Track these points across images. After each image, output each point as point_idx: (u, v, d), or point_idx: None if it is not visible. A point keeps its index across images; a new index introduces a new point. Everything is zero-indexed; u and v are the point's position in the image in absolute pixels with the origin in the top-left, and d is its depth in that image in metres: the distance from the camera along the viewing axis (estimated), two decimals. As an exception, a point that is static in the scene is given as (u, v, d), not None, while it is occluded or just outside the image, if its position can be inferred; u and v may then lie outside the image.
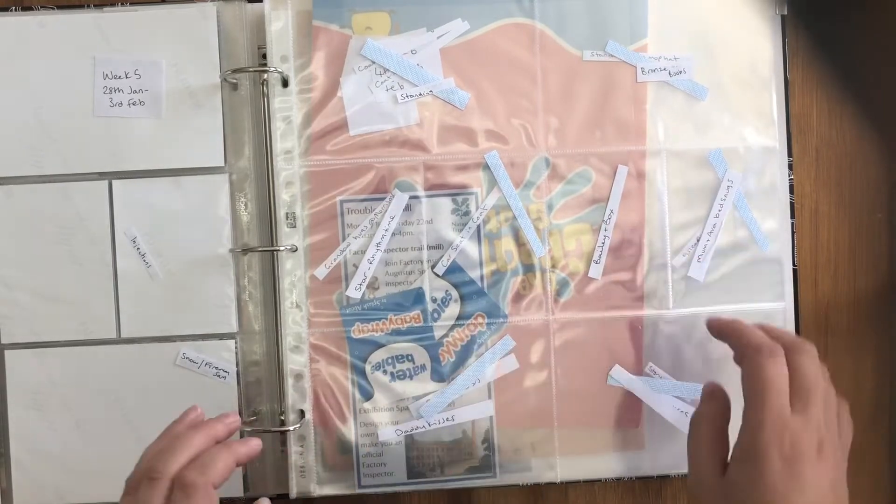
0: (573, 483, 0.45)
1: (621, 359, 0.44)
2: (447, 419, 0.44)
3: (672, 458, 0.45)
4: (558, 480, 0.44)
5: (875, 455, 0.47)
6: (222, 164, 0.44)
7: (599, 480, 0.45)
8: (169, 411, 0.43)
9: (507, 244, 0.44)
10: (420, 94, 0.44)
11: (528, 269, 0.44)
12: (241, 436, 0.43)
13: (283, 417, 0.43)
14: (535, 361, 0.44)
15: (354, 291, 0.44)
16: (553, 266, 0.44)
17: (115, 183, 0.44)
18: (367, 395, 0.44)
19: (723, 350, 0.44)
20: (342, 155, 0.44)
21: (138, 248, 0.43)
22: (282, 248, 0.43)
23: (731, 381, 0.45)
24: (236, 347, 0.44)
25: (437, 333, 0.44)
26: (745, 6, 0.45)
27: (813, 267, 0.47)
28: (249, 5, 0.44)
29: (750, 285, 0.45)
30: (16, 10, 0.44)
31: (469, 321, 0.44)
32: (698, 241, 0.44)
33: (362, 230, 0.44)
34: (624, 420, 0.44)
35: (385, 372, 0.43)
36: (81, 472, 0.43)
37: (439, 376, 0.44)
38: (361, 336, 0.44)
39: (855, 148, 0.47)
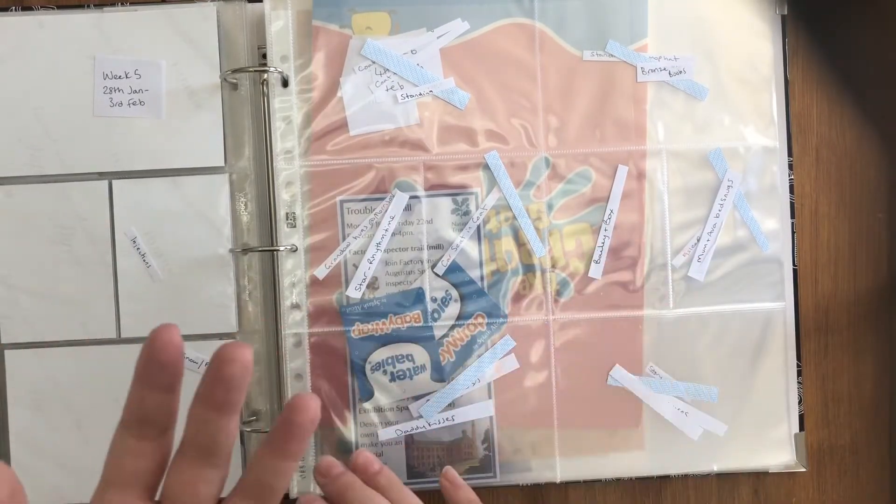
0: (573, 483, 0.45)
1: (621, 359, 0.44)
2: (447, 419, 0.44)
3: (672, 458, 0.45)
4: (558, 480, 0.44)
5: (875, 455, 0.47)
6: (222, 164, 0.44)
7: (599, 480, 0.45)
8: (169, 411, 0.43)
9: (507, 244, 0.44)
10: (420, 94, 0.44)
11: (528, 269, 0.44)
12: (241, 437, 0.44)
13: (283, 417, 0.43)
14: (535, 361, 0.44)
15: (354, 291, 0.44)
16: (553, 266, 0.44)
17: (115, 183, 0.44)
18: (367, 395, 0.44)
19: (724, 349, 0.44)
20: (342, 155, 0.44)
21: (138, 248, 0.43)
22: (282, 248, 0.43)
23: (731, 381, 0.45)
24: (236, 347, 0.44)
25: (437, 333, 0.44)
26: (745, 6, 0.45)
27: (813, 267, 0.47)
28: (249, 5, 0.44)
29: (750, 285, 0.45)
30: (16, 10, 0.44)
31: (469, 321, 0.44)
32: (698, 241, 0.44)
33: (362, 230, 0.44)
34: (624, 420, 0.44)
35: (385, 372, 0.43)
36: (81, 472, 0.43)
37: (439, 376, 0.44)
38: (361, 336, 0.44)
39: (855, 148, 0.47)
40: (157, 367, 0.25)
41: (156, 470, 0.27)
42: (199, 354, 0.43)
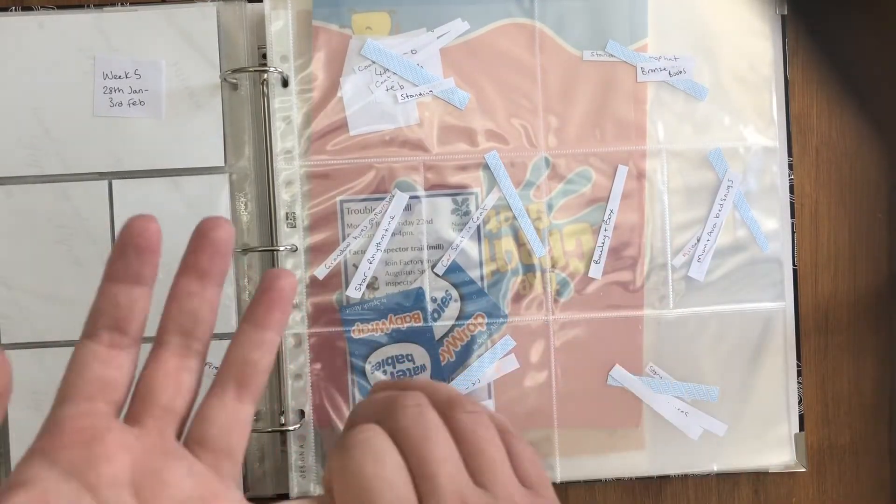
0: (573, 483, 0.45)
1: (621, 359, 0.44)
2: (447, 419, 0.43)
3: (672, 458, 0.45)
4: (558, 480, 0.44)
5: (875, 455, 0.47)
6: (222, 164, 0.44)
7: (599, 480, 0.45)
8: (169, 411, 0.43)
9: (507, 244, 0.44)
10: (420, 94, 0.44)
11: (528, 269, 0.44)
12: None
13: (283, 417, 0.43)
14: (535, 361, 0.44)
15: (354, 291, 0.44)
16: (553, 266, 0.44)
17: (115, 183, 0.44)
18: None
19: (724, 349, 0.44)
20: (342, 155, 0.44)
21: (138, 248, 0.43)
22: (282, 248, 0.43)
23: (731, 381, 0.45)
24: (236, 347, 0.44)
25: (437, 333, 0.44)
26: (745, 6, 0.45)
27: (813, 267, 0.47)
28: (249, 5, 0.44)
29: (750, 285, 0.45)
30: (16, 10, 0.44)
31: (469, 321, 0.44)
32: (698, 241, 0.44)
33: (362, 230, 0.44)
34: (624, 420, 0.44)
35: (385, 372, 0.44)
36: (81, 472, 0.43)
37: (439, 376, 0.44)
38: (361, 336, 0.44)
39: (855, 148, 0.47)
40: (133, 253, 0.24)
41: (125, 382, 0.24)
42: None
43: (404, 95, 0.44)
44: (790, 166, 0.45)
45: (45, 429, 0.23)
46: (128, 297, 0.24)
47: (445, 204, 0.44)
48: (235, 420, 0.25)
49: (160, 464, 0.23)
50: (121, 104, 0.43)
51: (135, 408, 0.24)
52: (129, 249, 0.24)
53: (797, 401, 0.45)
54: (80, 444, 0.22)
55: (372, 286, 0.44)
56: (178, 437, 0.25)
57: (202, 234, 0.25)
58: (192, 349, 0.26)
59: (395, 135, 0.44)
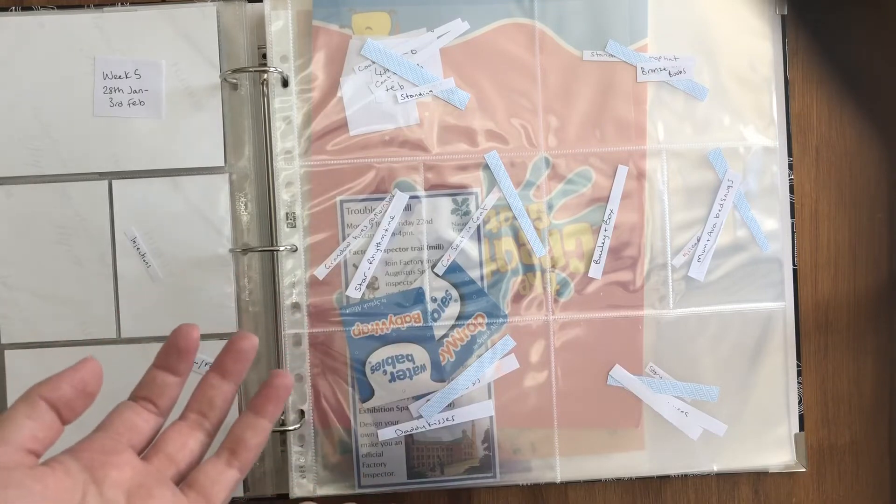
0: (573, 483, 0.45)
1: (621, 359, 0.44)
2: (447, 419, 0.44)
3: (672, 458, 0.45)
4: (558, 480, 0.44)
5: (875, 455, 0.47)
6: (222, 164, 0.44)
7: (599, 480, 0.45)
8: (169, 411, 0.43)
9: (507, 244, 0.44)
10: (420, 94, 0.44)
11: (528, 269, 0.44)
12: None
13: (283, 417, 0.43)
14: (535, 361, 0.44)
15: (354, 291, 0.44)
16: (553, 266, 0.44)
17: (115, 183, 0.44)
18: (367, 395, 0.44)
19: (724, 349, 0.45)
20: (342, 155, 0.44)
21: (138, 248, 0.43)
22: (282, 248, 0.43)
23: (731, 381, 0.45)
24: (236, 347, 0.44)
25: (437, 333, 0.44)
26: (745, 6, 0.45)
27: (813, 267, 0.47)
28: (249, 5, 0.44)
29: (750, 285, 0.45)
30: (16, 10, 0.44)
31: (469, 321, 0.44)
32: (698, 241, 0.44)
33: (362, 230, 0.44)
34: (624, 420, 0.44)
35: (385, 372, 0.44)
36: (81, 472, 0.43)
37: (439, 376, 0.44)
38: (361, 336, 0.44)
39: (855, 148, 0.47)
40: (174, 352, 0.32)
41: (147, 433, 0.31)
42: (199, 354, 0.43)
43: (404, 95, 0.44)
44: (790, 166, 0.45)
45: (78, 442, 0.30)
46: (163, 381, 0.32)
47: (445, 204, 0.44)
48: (221, 477, 0.32)
49: (153, 485, 0.30)
50: (121, 104, 0.43)
51: (148, 453, 0.32)
52: (173, 349, 0.32)
53: (797, 401, 0.45)
54: (101, 452, 0.30)
55: (372, 286, 0.44)
56: (175, 484, 0.31)
57: (231, 343, 0.34)
58: (203, 426, 0.33)
59: (395, 135, 0.44)
